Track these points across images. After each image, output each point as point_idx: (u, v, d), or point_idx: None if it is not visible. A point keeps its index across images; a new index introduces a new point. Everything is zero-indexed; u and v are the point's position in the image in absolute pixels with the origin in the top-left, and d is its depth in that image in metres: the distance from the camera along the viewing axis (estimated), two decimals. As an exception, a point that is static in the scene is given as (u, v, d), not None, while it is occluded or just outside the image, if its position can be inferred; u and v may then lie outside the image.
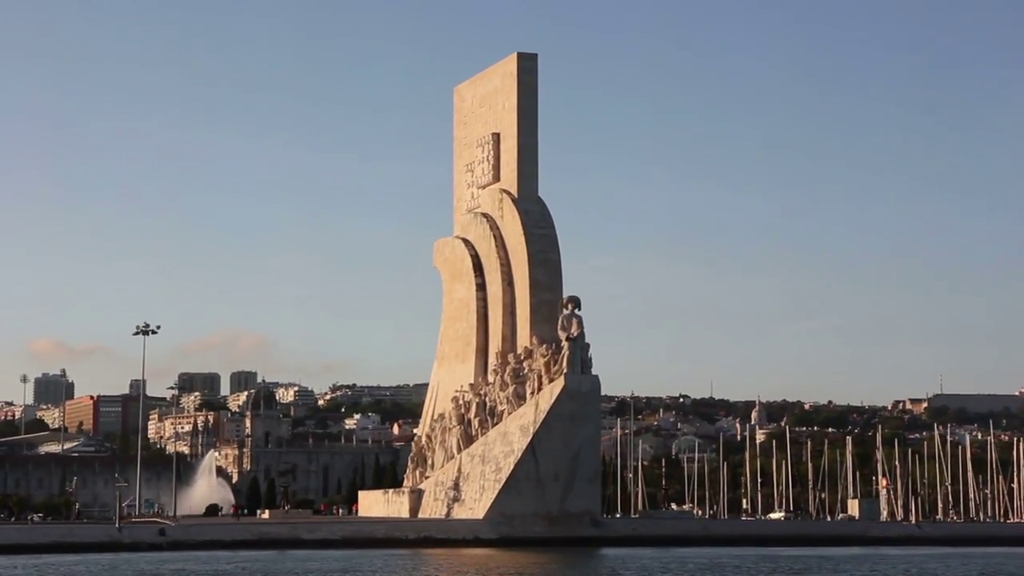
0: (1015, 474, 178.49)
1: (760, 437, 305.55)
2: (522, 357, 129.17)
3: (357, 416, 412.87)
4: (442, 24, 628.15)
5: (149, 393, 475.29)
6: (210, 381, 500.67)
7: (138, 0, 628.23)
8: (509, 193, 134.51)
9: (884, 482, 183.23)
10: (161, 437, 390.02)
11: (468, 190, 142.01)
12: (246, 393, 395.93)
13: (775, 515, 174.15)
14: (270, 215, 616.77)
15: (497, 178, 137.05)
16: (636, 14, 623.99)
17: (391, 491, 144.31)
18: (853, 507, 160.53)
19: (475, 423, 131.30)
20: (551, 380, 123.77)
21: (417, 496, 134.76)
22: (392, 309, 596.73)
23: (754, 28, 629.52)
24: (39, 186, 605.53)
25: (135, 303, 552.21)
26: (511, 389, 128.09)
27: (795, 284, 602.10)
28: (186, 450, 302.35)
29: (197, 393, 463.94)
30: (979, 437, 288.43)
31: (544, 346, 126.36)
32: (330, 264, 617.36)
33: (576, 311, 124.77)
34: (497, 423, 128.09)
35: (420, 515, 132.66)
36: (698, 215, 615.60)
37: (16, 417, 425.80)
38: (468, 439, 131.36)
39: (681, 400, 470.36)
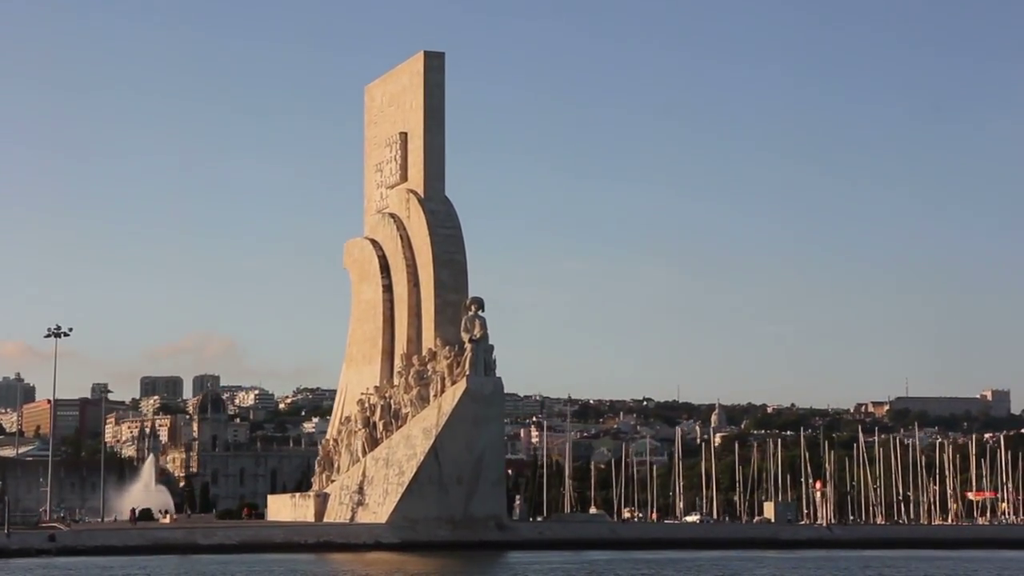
0: (938, 475, 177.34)
1: (717, 440, 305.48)
2: (426, 359, 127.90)
3: (316, 419, 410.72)
4: (355, 22, 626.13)
5: (114, 397, 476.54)
6: (172, 385, 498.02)
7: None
8: (416, 193, 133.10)
9: (818, 485, 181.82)
10: (118, 441, 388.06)
11: (377, 190, 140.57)
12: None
13: (691, 518, 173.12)
14: (243, 218, 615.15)
15: (405, 178, 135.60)
16: (551, 11, 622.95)
17: (298, 495, 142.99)
18: (768, 509, 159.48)
19: (380, 426, 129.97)
20: (454, 382, 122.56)
21: (323, 500, 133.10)
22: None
23: (668, 20, 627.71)
24: (14, 188, 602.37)
25: (105, 306, 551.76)
26: (415, 391, 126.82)
27: (762, 288, 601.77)
28: (134, 454, 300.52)
29: (157, 396, 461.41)
30: (938, 440, 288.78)
31: (447, 348, 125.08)
32: (303, 268, 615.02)
33: (480, 312, 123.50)
34: (401, 426, 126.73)
35: (326, 519, 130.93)
36: (663, 221, 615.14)
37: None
38: (373, 442, 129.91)
39: (644, 403, 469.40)
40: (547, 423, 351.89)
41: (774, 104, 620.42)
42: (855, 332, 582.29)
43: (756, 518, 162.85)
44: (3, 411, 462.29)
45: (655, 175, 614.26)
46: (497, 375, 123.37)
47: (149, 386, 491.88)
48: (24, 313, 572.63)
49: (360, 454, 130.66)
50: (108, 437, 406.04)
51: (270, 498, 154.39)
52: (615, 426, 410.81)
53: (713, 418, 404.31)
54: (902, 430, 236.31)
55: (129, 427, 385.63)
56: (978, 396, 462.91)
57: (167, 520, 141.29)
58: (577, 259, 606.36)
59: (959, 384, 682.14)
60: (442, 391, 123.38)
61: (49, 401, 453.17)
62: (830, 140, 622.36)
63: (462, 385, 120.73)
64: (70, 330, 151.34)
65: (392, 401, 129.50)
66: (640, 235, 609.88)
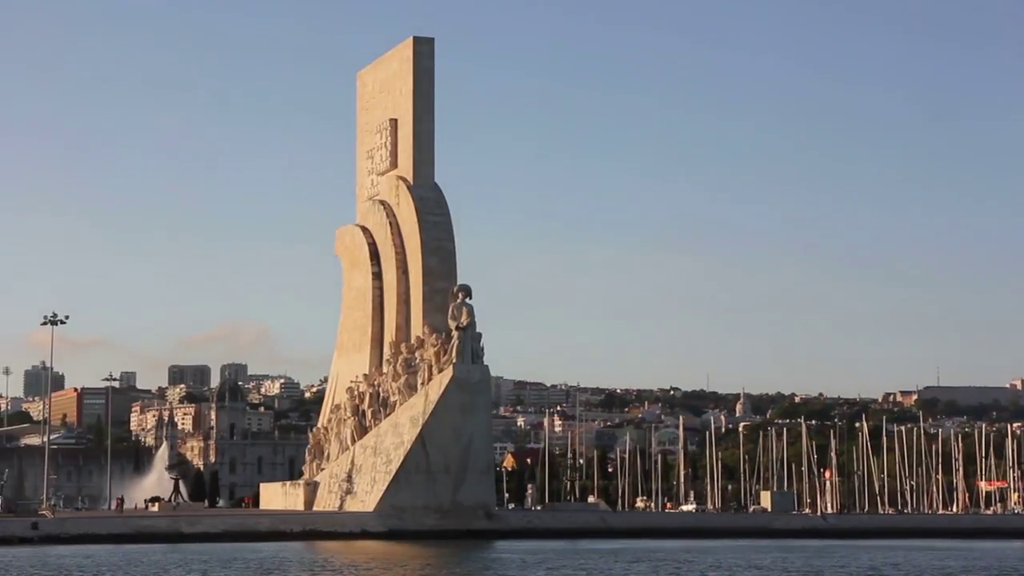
0: (942, 465, 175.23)
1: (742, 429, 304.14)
2: (414, 347, 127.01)
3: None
4: (350, 7, 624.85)
5: (140, 385, 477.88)
6: (200, 373, 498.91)
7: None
8: (405, 180, 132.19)
9: (828, 474, 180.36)
10: (143, 429, 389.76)
11: (368, 177, 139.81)
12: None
13: (686, 507, 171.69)
14: (275, 208, 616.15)
15: (395, 165, 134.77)
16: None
17: (288, 483, 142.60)
18: (765, 499, 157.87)
19: (369, 414, 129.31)
20: (441, 370, 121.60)
21: (312, 488, 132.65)
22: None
23: (663, 2, 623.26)
24: (47, 179, 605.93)
25: (140, 295, 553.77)
26: (403, 379, 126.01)
27: (791, 276, 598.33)
28: (153, 442, 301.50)
29: (183, 385, 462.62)
30: (966, 430, 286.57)
31: (434, 336, 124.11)
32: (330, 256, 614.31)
33: (467, 300, 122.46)
34: (390, 414, 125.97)
35: (315, 508, 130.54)
36: (694, 210, 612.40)
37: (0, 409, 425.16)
38: (362, 430, 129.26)
39: (671, 392, 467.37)
40: (568, 412, 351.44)
41: (793, 89, 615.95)
42: (885, 321, 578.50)
43: (752, 507, 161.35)
44: (31, 399, 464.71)
45: (659, 162, 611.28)
46: (486, 363, 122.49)
47: (177, 375, 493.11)
48: (57, 302, 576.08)
49: (349, 442, 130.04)
50: (134, 425, 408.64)
51: (262, 486, 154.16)
52: (640, 415, 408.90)
53: (738, 407, 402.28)
54: (929, 420, 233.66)
55: (154, 416, 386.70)
56: (1007, 385, 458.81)
57: (155, 508, 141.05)
58: (610, 248, 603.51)
59: (989, 373, 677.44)
60: (429, 379, 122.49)
61: (76, 390, 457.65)
62: (854, 128, 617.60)
63: (448, 373, 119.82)
64: (66, 318, 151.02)
65: (381, 389, 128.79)
66: (659, 224, 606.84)
